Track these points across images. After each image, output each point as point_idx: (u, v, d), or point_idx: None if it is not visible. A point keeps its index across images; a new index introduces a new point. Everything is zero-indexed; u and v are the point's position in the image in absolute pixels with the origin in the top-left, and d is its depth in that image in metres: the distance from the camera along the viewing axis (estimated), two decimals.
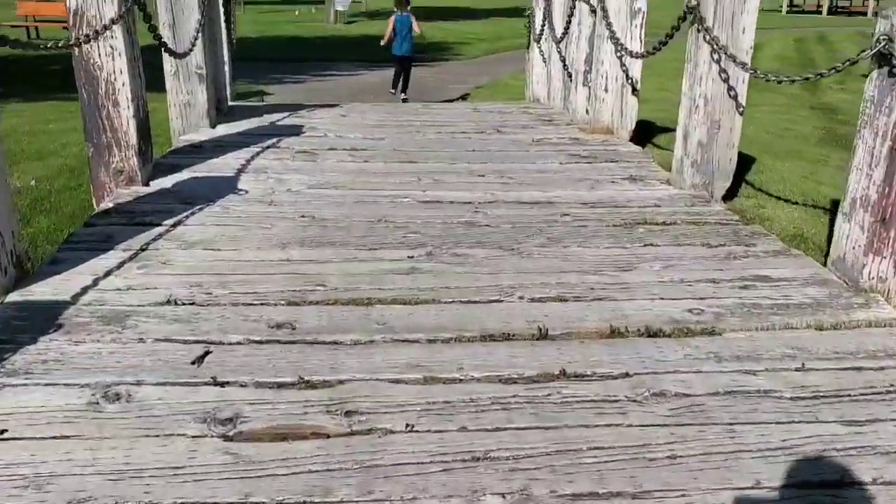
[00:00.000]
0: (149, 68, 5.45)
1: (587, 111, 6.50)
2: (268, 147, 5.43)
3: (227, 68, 7.11)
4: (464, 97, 11.95)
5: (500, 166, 5.19)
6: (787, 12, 38.09)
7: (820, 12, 37.23)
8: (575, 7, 6.53)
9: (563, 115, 7.18)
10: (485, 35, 25.87)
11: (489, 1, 41.57)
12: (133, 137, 4.44)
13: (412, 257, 3.62)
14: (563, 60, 7.58)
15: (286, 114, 6.74)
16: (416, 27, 12.68)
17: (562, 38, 7.19)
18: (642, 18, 5.86)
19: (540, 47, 8.66)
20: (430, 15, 34.34)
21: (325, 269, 3.46)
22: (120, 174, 4.50)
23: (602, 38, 5.93)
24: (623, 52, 5.80)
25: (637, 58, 5.67)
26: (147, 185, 4.57)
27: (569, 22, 6.74)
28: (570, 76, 7.55)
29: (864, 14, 36.63)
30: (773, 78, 4.17)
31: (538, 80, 8.89)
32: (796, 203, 5.08)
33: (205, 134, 5.74)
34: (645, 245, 3.84)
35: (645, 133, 6.57)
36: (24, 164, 6.17)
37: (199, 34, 5.56)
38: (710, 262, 3.64)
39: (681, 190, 4.73)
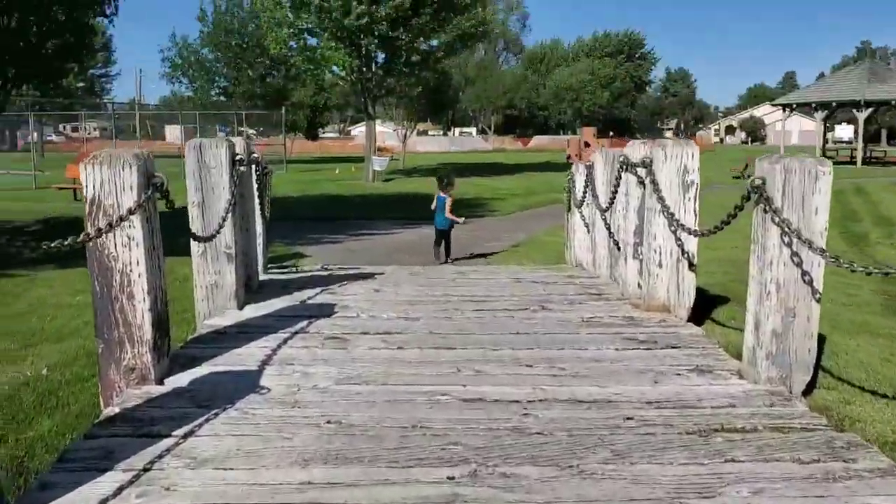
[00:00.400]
0: (184, 231, 5.15)
1: (639, 285, 6.04)
2: (296, 332, 5.01)
3: (259, 243, 6.83)
4: (494, 254, 11.65)
5: (549, 353, 4.68)
6: None
7: (854, 163, 37.28)
8: (621, 178, 6.21)
9: (611, 287, 6.73)
10: (517, 190, 26.04)
11: (519, 157, 42.35)
12: (148, 332, 4.04)
13: (453, 478, 3.08)
14: (609, 229, 7.20)
15: (318, 289, 6.37)
16: (447, 210, 13.06)
17: (607, 208, 6.85)
18: (696, 191, 5.48)
19: (582, 213, 8.34)
20: (463, 171, 34.98)
21: (351, 494, 2.93)
22: (132, 372, 4.07)
23: (653, 211, 5.55)
24: (677, 227, 5.40)
25: (694, 235, 5.26)
26: (161, 383, 4.12)
27: (615, 191, 6.40)
28: (617, 246, 7.14)
29: None
30: (860, 269, 3.69)
31: (580, 244, 8.53)
32: (885, 396, 4.47)
33: (231, 317, 5.35)
34: (725, 461, 3.26)
35: (700, 302, 6.07)
36: (42, 345, 5.81)
37: (229, 214, 5.28)
38: (805, 484, 3.05)
39: (755, 384, 4.16)
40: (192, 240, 5.29)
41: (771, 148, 71.91)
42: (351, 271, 8.13)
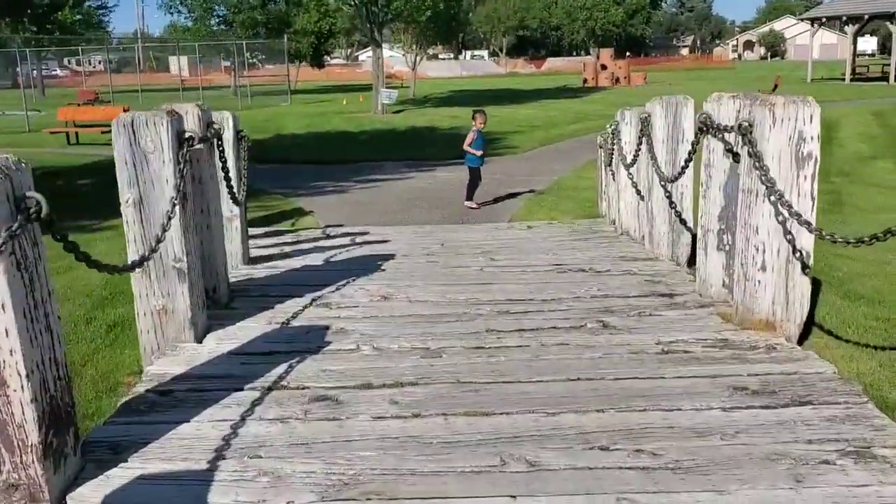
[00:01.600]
0: None
1: (724, 283, 4.56)
2: (271, 387, 3.55)
3: (233, 234, 5.38)
4: (520, 193, 10.10)
5: (629, 419, 3.21)
6: (851, 80, 35.98)
7: (886, 79, 35.03)
8: (700, 143, 4.66)
9: (678, 277, 5.24)
10: (537, 121, 24.25)
11: (533, 81, 40.25)
12: (33, 433, 2.62)
13: None
14: (672, 203, 5.67)
15: (307, 297, 4.87)
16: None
17: (674, 179, 5.31)
18: (814, 167, 3.93)
19: (631, 174, 6.79)
20: (479, 99, 33.06)
21: None
22: (14, 490, 2.66)
23: (753, 194, 4.01)
24: (789, 217, 3.87)
25: (816, 234, 3.73)
26: (61, 502, 2.72)
27: (688, 161, 4.86)
28: (682, 222, 5.63)
29: None
30: None
31: (627, 208, 7.01)
32: None
33: (185, 358, 3.89)
34: None
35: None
36: None
37: (176, 214, 3.79)
38: None
39: None
40: (129, 247, 3.83)
41: (793, 64, 69.00)
42: (355, 250, 6.67)
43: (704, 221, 4.66)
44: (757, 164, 3.95)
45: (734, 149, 4.37)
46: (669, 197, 5.77)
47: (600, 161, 9.57)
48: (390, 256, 6.21)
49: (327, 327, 4.24)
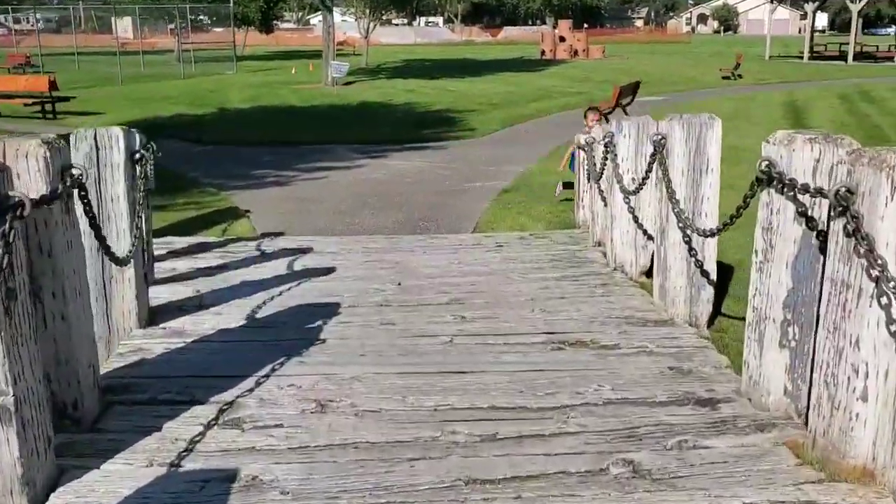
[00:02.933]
0: None
1: (787, 391, 3.29)
2: None
3: (125, 297, 3.96)
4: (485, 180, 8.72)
5: None
6: (809, 58, 35.21)
7: (844, 58, 34.31)
8: (755, 193, 3.34)
9: (706, 358, 3.96)
10: (495, 98, 22.82)
11: (490, 51, 38.71)
12: None
13: None
14: (693, 250, 4.40)
15: (213, 409, 3.32)
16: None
17: (710, 234, 4.01)
18: None
19: (629, 200, 5.49)
20: (432, 71, 31.45)
21: None
22: None
23: (850, 290, 2.72)
24: None
25: None
26: None
27: (733, 217, 3.55)
28: (703, 274, 4.37)
29: (892, 59, 33.75)
30: None
31: (624, 240, 5.73)
32: None
33: None
34: None
35: None
36: None
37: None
38: None
39: None
40: None
41: (747, 39, 68.45)
42: (292, 289, 5.28)
43: (759, 304, 3.37)
44: (862, 249, 2.66)
45: (815, 217, 3.07)
46: (689, 242, 4.49)
47: (580, 166, 8.27)
48: (334, 308, 4.81)
49: (234, 476, 2.85)
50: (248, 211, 9.77)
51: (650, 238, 5.74)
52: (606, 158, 5.98)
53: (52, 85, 18.33)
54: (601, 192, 6.51)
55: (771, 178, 3.22)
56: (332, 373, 3.72)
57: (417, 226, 9.02)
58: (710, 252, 4.55)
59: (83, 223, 3.29)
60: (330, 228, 8.88)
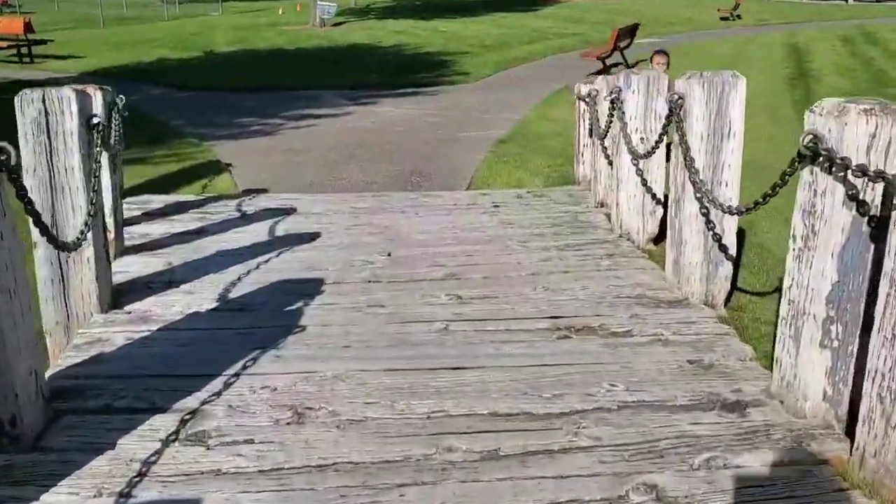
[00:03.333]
0: None
1: (826, 396, 2.89)
2: None
3: (84, 278, 3.51)
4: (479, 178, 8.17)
5: None
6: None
7: None
8: (797, 166, 2.88)
9: (728, 347, 3.54)
10: (488, 39, 22.02)
11: None
12: None
13: None
14: (711, 223, 3.96)
15: (174, 419, 2.86)
16: None
17: (737, 212, 3.55)
18: None
19: (637, 164, 5.03)
20: (422, 11, 30.43)
21: None
22: None
23: None
24: None
25: None
26: None
27: (767, 196, 3.09)
28: (722, 248, 3.94)
29: None
30: None
31: (631, 204, 5.28)
32: None
33: None
34: None
35: None
36: None
37: None
38: None
39: None
40: None
41: None
42: (270, 262, 4.83)
43: (797, 297, 2.94)
44: None
45: (868, 202, 2.62)
46: (707, 214, 4.04)
47: (579, 117, 7.77)
48: (316, 286, 4.37)
49: None
50: (230, 164, 9.26)
51: (659, 203, 5.30)
52: (612, 115, 5.48)
53: (28, 27, 17.50)
54: (605, 150, 6.04)
55: (817, 155, 2.76)
56: (312, 370, 3.29)
57: (409, 181, 8.53)
58: (730, 224, 4.10)
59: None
60: (316, 184, 8.40)
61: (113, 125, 5.94)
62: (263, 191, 8.01)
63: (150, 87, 15.07)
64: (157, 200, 7.24)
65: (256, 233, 5.83)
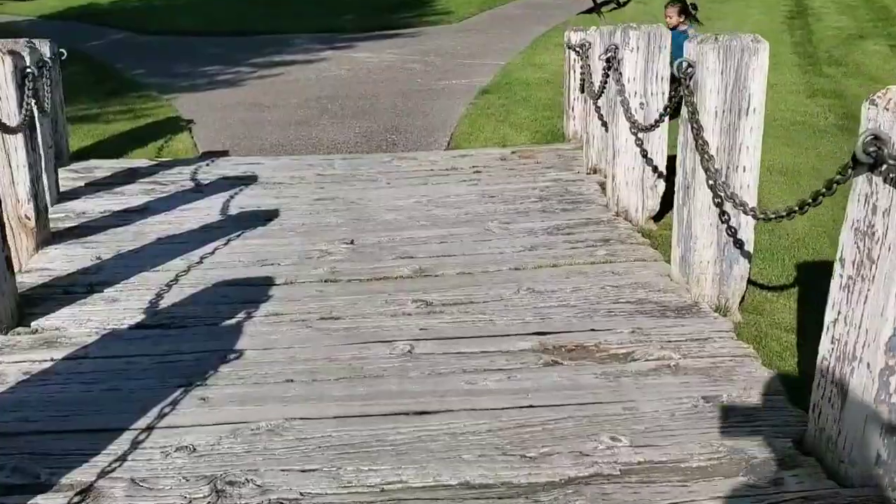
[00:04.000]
0: None
1: (878, 460, 2.29)
2: None
3: None
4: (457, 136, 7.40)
5: None
6: None
7: None
8: (849, 179, 2.23)
9: (750, 377, 2.92)
10: None
11: None
12: None
13: None
14: (725, 214, 3.32)
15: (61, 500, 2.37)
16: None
17: (761, 216, 2.89)
18: None
19: (637, 134, 4.36)
20: None
21: None
22: None
23: None
24: None
25: None
26: None
27: (806, 203, 2.44)
28: (737, 244, 3.31)
29: None
30: None
31: (628, 177, 4.63)
32: None
33: None
34: None
35: None
36: None
37: None
38: None
39: None
40: None
41: None
42: (216, 254, 4.18)
43: (844, 336, 2.31)
44: None
45: None
46: (721, 205, 3.39)
47: (570, 68, 7.04)
48: (264, 291, 3.72)
49: None
50: (190, 121, 8.49)
51: (661, 176, 4.64)
52: (608, 75, 4.78)
53: None
54: (599, 111, 5.34)
55: (879, 162, 2.10)
56: (243, 420, 2.66)
57: (384, 139, 7.82)
58: (745, 219, 3.46)
59: None
60: (284, 144, 7.67)
61: (43, 89, 5.23)
62: (224, 153, 7.30)
63: (112, 31, 14.12)
64: (105, 167, 6.54)
65: (208, 211, 5.17)
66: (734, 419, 2.67)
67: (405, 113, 8.67)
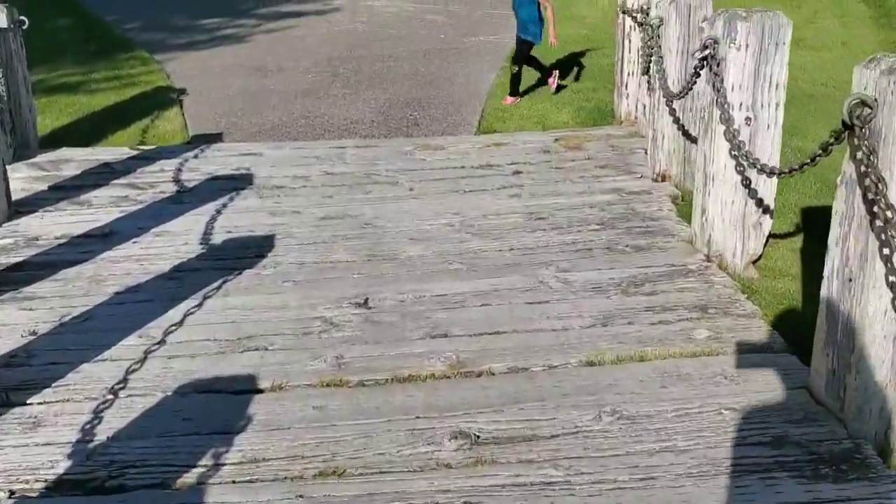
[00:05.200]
0: None
1: None
2: None
3: None
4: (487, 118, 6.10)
5: None
6: None
7: None
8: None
9: None
10: None
11: None
12: None
13: None
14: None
15: None
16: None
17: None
18: None
19: (739, 159, 3.16)
20: None
21: None
22: None
23: None
24: None
25: None
26: None
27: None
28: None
29: None
30: None
31: (723, 210, 3.46)
32: None
33: None
34: None
35: None
36: None
37: None
38: None
39: None
40: None
41: None
42: (157, 381, 3.07)
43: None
44: None
45: None
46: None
47: (624, 37, 5.75)
48: (241, 406, 2.63)
49: None
50: (182, 92, 7.30)
51: (766, 211, 3.47)
52: (698, 74, 3.55)
53: None
54: (674, 113, 4.13)
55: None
56: None
57: (404, 116, 6.63)
58: None
59: None
60: (286, 125, 6.50)
61: None
62: (217, 138, 6.14)
63: None
64: (77, 159, 5.45)
65: (185, 238, 4.09)
66: None
67: (427, 81, 7.43)
